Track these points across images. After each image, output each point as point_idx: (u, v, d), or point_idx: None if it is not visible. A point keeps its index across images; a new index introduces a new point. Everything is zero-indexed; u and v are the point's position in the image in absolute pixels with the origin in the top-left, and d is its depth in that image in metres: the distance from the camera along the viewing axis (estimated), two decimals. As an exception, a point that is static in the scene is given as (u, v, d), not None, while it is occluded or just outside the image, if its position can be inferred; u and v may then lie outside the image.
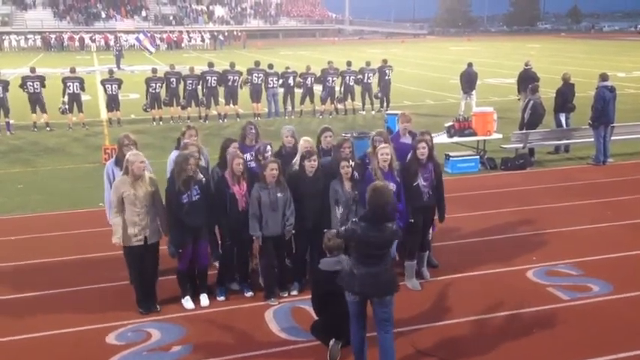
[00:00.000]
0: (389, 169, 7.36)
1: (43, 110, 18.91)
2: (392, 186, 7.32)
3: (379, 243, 5.50)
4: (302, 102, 21.02)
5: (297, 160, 7.67)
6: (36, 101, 18.79)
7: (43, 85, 18.92)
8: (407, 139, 8.59)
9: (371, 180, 7.31)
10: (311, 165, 7.27)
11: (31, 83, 18.72)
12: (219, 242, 7.78)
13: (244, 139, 8.28)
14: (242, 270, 7.65)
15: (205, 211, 7.09)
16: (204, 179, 7.16)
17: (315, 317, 6.37)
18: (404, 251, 8.30)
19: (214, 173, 7.59)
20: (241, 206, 7.16)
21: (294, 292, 7.51)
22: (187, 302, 7.21)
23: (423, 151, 7.49)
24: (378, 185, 5.68)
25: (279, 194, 7.13)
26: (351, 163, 7.34)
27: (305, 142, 7.73)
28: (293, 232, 7.34)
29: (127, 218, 6.86)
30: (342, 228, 5.87)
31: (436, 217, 7.90)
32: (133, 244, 6.93)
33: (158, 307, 7.19)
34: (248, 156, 7.98)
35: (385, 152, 7.34)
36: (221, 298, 7.36)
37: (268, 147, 7.90)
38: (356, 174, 7.41)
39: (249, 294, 7.47)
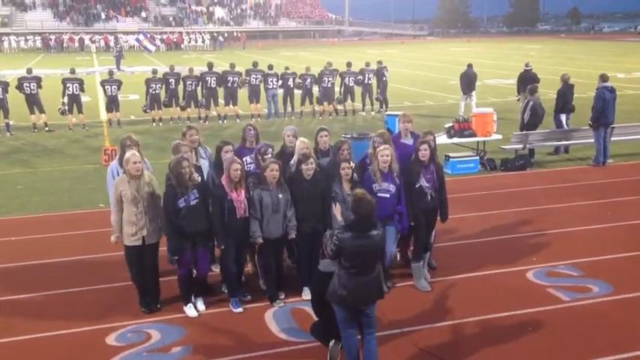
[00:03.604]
0: (389, 171, 7.32)
1: (41, 111, 18.93)
2: (391, 187, 7.34)
3: (371, 251, 5.49)
4: (302, 103, 21.03)
5: (294, 161, 7.63)
6: (33, 102, 18.82)
7: (39, 86, 18.95)
8: (408, 140, 8.51)
9: (370, 181, 7.33)
10: (308, 168, 7.18)
11: (27, 84, 18.73)
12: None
13: (245, 141, 8.27)
14: (239, 274, 7.50)
15: (205, 215, 6.95)
16: (199, 179, 7.06)
17: (315, 318, 6.36)
18: (406, 252, 8.33)
19: (209, 177, 7.53)
20: (240, 213, 6.95)
21: (307, 297, 7.17)
22: (190, 310, 7.07)
23: (424, 152, 7.47)
24: (361, 194, 5.62)
25: (280, 195, 7.07)
26: (352, 164, 7.32)
27: (301, 143, 7.60)
28: (293, 234, 7.25)
29: (125, 218, 6.87)
30: (328, 249, 5.69)
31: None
32: (131, 243, 6.93)
33: (159, 305, 7.21)
34: (248, 158, 7.92)
35: (385, 154, 7.30)
36: (238, 310, 7.13)
37: (270, 149, 7.75)
38: (355, 175, 7.39)
39: (248, 297, 7.41)
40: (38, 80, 19.06)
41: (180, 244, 6.83)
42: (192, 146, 7.93)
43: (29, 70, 19.57)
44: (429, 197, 7.53)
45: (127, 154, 6.95)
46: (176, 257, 6.91)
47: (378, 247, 5.56)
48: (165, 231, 6.99)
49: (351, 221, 5.65)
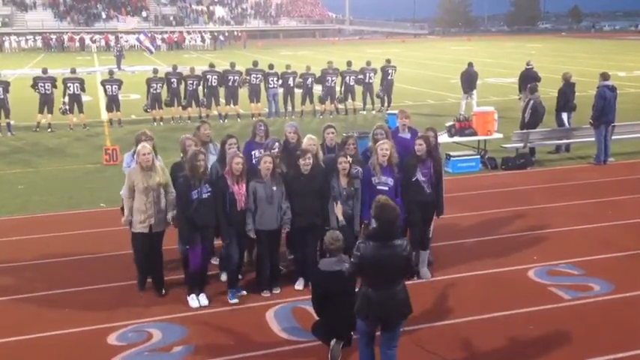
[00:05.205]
0: (387, 164, 7.44)
1: (50, 111, 18.96)
2: (390, 181, 7.46)
3: (394, 262, 5.23)
4: (302, 102, 21.03)
5: None
6: (46, 102, 18.83)
7: (54, 86, 19.01)
8: (405, 135, 8.78)
9: (369, 174, 7.40)
10: (305, 163, 7.31)
11: (43, 84, 18.76)
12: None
13: (255, 136, 8.44)
14: (240, 264, 7.63)
15: (214, 209, 7.15)
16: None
17: (316, 317, 6.37)
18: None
19: (213, 169, 7.64)
20: (240, 206, 7.17)
21: (299, 287, 7.55)
22: (193, 300, 7.24)
23: (419, 147, 7.61)
24: (385, 200, 5.40)
25: (274, 187, 7.23)
26: (349, 159, 7.39)
27: (309, 140, 7.78)
28: (288, 227, 7.39)
29: (135, 206, 7.17)
30: (350, 258, 5.52)
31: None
32: (138, 230, 7.23)
33: (163, 290, 7.49)
34: (257, 153, 8.10)
35: (384, 148, 7.43)
36: (234, 301, 7.27)
37: (277, 143, 7.96)
38: (356, 170, 7.47)
39: (243, 292, 7.50)
40: (53, 80, 19.08)
41: (192, 235, 7.06)
42: (205, 140, 8.24)
43: (44, 70, 19.53)
44: (426, 191, 7.64)
45: (138, 147, 7.28)
46: (187, 247, 7.10)
47: (401, 257, 5.25)
48: (178, 221, 7.21)
49: (373, 229, 5.45)
